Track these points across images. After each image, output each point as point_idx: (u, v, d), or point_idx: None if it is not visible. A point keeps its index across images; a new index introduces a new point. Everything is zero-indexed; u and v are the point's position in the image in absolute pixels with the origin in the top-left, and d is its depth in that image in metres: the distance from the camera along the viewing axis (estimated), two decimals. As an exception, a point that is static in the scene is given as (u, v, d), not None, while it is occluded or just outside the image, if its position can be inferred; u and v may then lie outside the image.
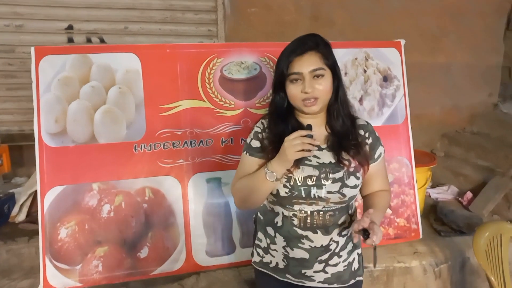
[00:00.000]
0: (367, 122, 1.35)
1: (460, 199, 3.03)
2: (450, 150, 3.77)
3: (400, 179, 2.35)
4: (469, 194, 2.99)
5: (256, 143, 1.27)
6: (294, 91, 1.20)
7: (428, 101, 3.72)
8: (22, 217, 2.26)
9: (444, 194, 3.14)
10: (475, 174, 3.19)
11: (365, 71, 2.36)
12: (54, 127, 1.92)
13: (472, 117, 3.89)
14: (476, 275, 2.26)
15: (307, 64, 1.19)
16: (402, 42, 2.42)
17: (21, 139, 2.83)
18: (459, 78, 3.73)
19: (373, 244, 1.07)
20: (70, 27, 2.85)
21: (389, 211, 2.33)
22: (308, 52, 1.20)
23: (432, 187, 3.27)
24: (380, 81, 2.38)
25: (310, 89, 1.17)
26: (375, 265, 1.20)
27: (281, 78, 1.23)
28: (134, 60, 2.02)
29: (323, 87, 1.19)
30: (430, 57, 3.59)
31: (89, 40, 2.91)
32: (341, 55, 2.31)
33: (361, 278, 1.37)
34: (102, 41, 2.94)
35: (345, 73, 2.33)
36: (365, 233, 1.08)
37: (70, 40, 2.88)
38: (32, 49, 1.92)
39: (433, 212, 2.75)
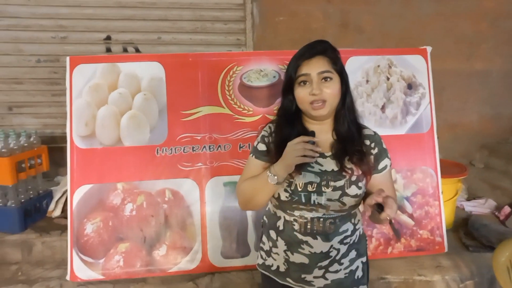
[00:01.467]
0: (374, 132, 1.33)
1: (497, 213, 2.85)
2: (490, 162, 3.56)
3: (424, 190, 2.28)
4: (507, 209, 2.80)
5: (262, 147, 1.29)
6: (302, 93, 1.22)
7: (465, 110, 3.55)
8: (57, 212, 2.45)
9: (479, 207, 2.97)
10: (515, 187, 3.00)
11: (388, 79, 2.32)
12: (84, 130, 2.08)
13: (514, 127, 3.66)
14: (506, 294, 2.13)
15: (316, 66, 1.21)
16: (428, 49, 2.35)
17: (63, 141, 3.05)
18: (500, 85, 3.53)
19: (388, 218, 1.06)
20: (108, 38, 3.06)
21: (411, 222, 2.25)
22: (316, 56, 1.22)
23: (468, 200, 3.11)
24: (404, 89, 2.33)
25: (318, 90, 1.19)
26: (398, 238, 1.16)
27: (290, 81, 1.25)
28: (158, 68, 2.14)
29: (331, 91, 1.20)
30: (466, 63, 3.43)
31: (125, 50, 3.10)
32: (363, 62, 2.30)
33: (365, 286, 1.35)
34: (137, 50, 3.12)
35: (367, 81, 2.31)
36: (379, 207, 1.07)
37: (108, 50, 3.09)
38: (67, 58, 2.10)
39: (463, 226, 2.62)
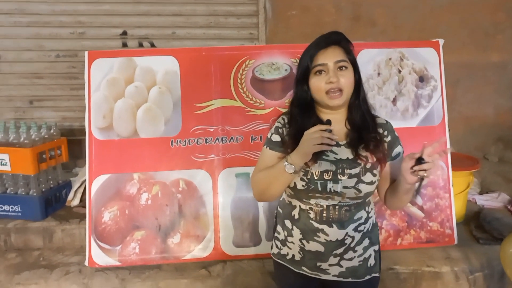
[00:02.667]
0: (386, 121, 1.36)
1: (509, 207, 2.83)
2: (505, 155, 3.52)
3: (434, 182, 2.29)
4: (520, 203, 2.79)
5: (276, 138, 1.31)
6: (318, 82, 1.23)
7: (480, 103, 3.52)
8: (76, 201, 2.55)
9: (492, 201, 2.95)
10: (530, 181, 2.97)
11: (399, 71, 2.33)
12: (102, 123, 2.16)
13: (532, 120, 3.60)
14: (518, 286, 2.14)
15: (332, 56, 1.22)
16: (441, 41, 2.34)
17: (81, 133, 3.14)
18: (517, 77, 3.48)
19: (424, 175, 1.10)
20: (124, 33, 3.14)
21: (421, 214, 2.27)
22: (331, 45, 1.24)
23: (481, 193, 3.09)
24: (415, 82, 2.33)
25: (335, 78, 1.20)
26: (416, 194, 1.17)
27: (305, 71, 1.26)
28: (173, 62, 2.20)
29: (346, 79, 1.22)
30: (481, 55, 3.39)
31: (141, 45, 3.18)
32: (374, 55, 2.31)
33: (377, 274, 1.38)
34: (152, 45, 3.19)
35: (378, 73, 2.32)
36: (421, 162, 1.09)
37: (125, 45, 3.17)
38: (86, 53, 2.18)
39: (475, 219, 2.62)
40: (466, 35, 3.30)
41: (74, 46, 3.11)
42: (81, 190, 2.55)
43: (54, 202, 2.51)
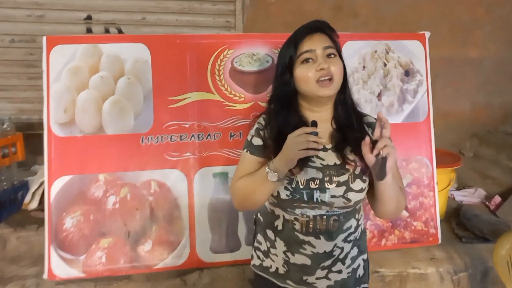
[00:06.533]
0: (376, 119, 1.25)
1: (487, 203, 2.84)
2: (480, 151, 3.55)
3: (419, 180, 2.22)
4: (497, 198, 2.80)
5: (257, 141, 1.20)
6: (306, 71, 1.12)
7: (458, 98, 3.52)
8: (34, 205, 2.31)
9: (470, 197, 2.96)
10: (505, 177, 2.99)
11: (385, 65, 2.23)
12: (63, 117, 1.93)
13: (506, 116, 3.64)
14: (500, 286, 2.11)
15: (319, 41, 1.13)
16: (427, 34, 2.26)
17: (41, 127, 2.87)
18: (493, 73, 3.50)
19: (382, 154, 1.02)
20: (89, 17, 2.87)
21: (405, 213, 2.20)
22: (317, 32, 1.15)
23: (458, 189, 3.09)
24: (401, 76, 2.24)
25: (326, 64, 1.10)
26: (379, 176, 1.05)
27: (290, 62, 1.15)
28: (143, 50, 1.99)
29: (337, 67, 1.12)
30: (460, 50, 3.38)
31: (107, 31, 2.93)
32: (360, 47, 2.20)
33: (366, 285, 1.29)
34: (120, 31, 2.95)
35: (363, 67, 2.21)
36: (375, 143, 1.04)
37: (89, 31, 2.90)
38: (44, 38, 1.93)
39: (455, 216, 2.60)
40: (446, 29, 3.27)
41: (32, 30, 2.81)
42: (40, 192, 2.31)
43: (8, 206, 2.26)
